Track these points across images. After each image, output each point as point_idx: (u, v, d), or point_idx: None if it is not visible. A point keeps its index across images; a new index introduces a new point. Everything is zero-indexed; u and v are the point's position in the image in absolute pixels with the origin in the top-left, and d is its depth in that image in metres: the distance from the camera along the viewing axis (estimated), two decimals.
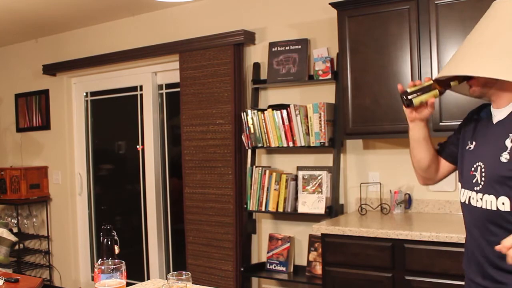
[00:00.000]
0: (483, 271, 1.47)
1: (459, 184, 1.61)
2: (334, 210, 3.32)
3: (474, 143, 1.56)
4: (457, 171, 1.69)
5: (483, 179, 1.47)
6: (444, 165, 1.74)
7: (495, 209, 1.42)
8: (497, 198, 1.42)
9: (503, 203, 1.41)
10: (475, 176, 1.50)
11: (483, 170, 1.47)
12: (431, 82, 1.57)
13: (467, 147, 1.58)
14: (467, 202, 1.54)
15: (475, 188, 1.50)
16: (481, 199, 1.47)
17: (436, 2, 2.82)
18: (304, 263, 3.49)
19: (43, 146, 5.22)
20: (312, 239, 3.43)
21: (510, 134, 1.42)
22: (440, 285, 2.51)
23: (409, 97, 1.58)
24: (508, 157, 1.40)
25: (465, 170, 1.57)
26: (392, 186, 3.29)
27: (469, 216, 1.54)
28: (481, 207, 1.47)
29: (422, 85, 1.58)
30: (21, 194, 4.93)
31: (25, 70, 5.32)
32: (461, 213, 1.60)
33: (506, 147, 1.42)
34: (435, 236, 2.52)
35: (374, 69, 3.02)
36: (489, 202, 1.44)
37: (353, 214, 3.34)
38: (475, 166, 1.51)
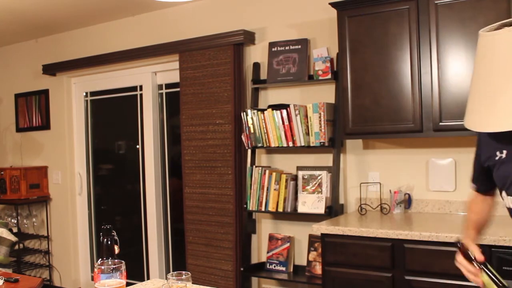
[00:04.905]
0: None
1: (504, 192, 1.55)
2: (334, 210, 3.32)
3: (505, 152, 1.51)
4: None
5: None
6: (490, 194, 1.75)
7: None
8: None
9: None
10: None
11: None
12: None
13: (497, 158, 1.54)
14: None
15: None
16: None
17: (436, 2, 2.82)
18: (304, 263, 3.49)
19: (43, 146, 5.22)
20: (312, 239, 3.43)
21: None
22: (440, 285, 2.51)
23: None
24: None
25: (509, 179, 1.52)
26: (392, 186, 3.29)
27: None
28: None
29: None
30: (21, 194, 4.93)
31: (25, 70, 5.32)
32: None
33: None
34: (435, 236, 2.52)
35: (374, 69, 3.02)
36: None
37: (353, 214, 3.33)
38: None
